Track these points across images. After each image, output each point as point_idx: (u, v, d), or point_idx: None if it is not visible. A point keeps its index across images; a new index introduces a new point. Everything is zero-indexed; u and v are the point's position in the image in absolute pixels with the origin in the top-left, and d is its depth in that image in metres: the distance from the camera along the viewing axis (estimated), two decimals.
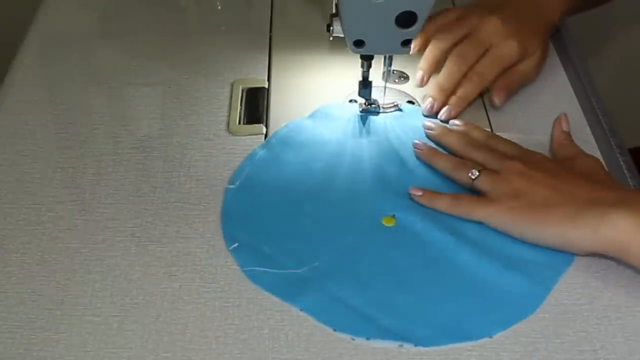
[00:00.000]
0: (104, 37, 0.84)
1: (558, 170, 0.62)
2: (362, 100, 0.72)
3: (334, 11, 0.66)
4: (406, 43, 0.65)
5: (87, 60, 0.80)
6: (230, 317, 0.56)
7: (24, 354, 0.54)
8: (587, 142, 0.70)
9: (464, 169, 0.64)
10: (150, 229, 0.62)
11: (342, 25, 0.64)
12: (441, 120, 0.71)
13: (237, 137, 0.70)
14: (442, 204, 0.62)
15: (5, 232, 0.62)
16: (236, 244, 0.60)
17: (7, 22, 1.15)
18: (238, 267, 0.59)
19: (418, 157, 0.68)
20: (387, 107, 0.73)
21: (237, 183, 0.65)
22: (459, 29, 0.72)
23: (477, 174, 0.63)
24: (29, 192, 0.65)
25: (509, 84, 0.73)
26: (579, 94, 0.75)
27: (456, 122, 0.70)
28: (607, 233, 0.55)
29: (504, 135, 0.69)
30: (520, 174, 0.61)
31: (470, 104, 0.72)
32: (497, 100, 0.73)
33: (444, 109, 0.71)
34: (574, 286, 0.58)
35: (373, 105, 0.72)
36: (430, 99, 0.72)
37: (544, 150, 0.67)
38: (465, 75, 0.72)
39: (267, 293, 0.57)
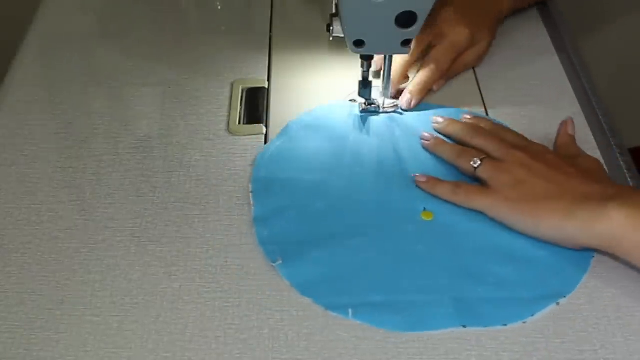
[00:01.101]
0: (104, 37, 0.84)
1: (560, 164, 0.62)
2: (362, 100, 0.72)
3: (334, 11, 0.66)
4: (406, 43, 0.65)
5: (87, 60, 0.80)
6: (230, 317, 0.56)
7: (24, 354, 0.54)
8: (587, 142, 0.70)
9: (466, 156, 0.64)
10: (150, 229, 0.62)
11: (342, 25, 0.64)
12: (402, 109, 0.72)
13: (237, 137, 0.70)
14: (443, 190, 0.63)
15: (5, 232, 0.62)
16: (280, 260, 0.59)
17: (7, 22, 1.15)
18: (238, 267, 0.59)
19: (425, 148, 0.68)
20: (387, 107, 0.73)
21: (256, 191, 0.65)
22: (427, 29, 0.74)
23: (479, 162, 0.63)
24: (29, 192, 0.65)
25: (450, 72, 0.76)
26: (579, 94, 0.75)
27: (466, 115, 0.71)
28: (602, 228, 0.55)
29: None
30: (522, 164, 0.61)
31: (428, 90, 0.74)
32: (435, 86, 0.74)
33: (405, 98, 0.72)
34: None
35: (373, 105, 0.72)
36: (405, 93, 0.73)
37: None
38: (416, 62, 0.74)
39: (267, 293, 0.57)
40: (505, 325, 0.55)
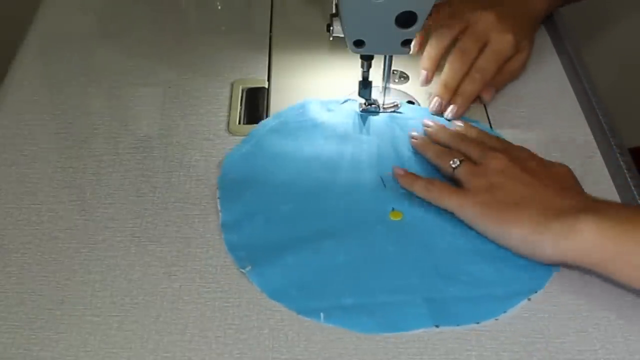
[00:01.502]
0: (104, 37, 0.84)
1: (538, 172, 0.61)
2: (362, 100, 0.72)
3: (334, 11, 0.66)
4: (406, 43, 0.65)
5: (87, 60, 0.80)
6: (230, 317, 0.56)
7: (24, 354, 0.54)
8: (587, 142, 0.70)
9: (447, 157, 0.64)
10: (150, 229, 0.62)
11: (342, 25, 0.64)
12: (447, 119, 0.72)
13: (237, 137, 0.70)
14: (418, 187, 0.63)
15: (5, 232, 0.62)
16: (249, 267, 0.59)
17: (7, 22, 1.15)
18: (238, 267, 0.59)
19: (413, 147, 0.68)
20: (387, 107, 0.73)
21: (226, 183, 0.65)
22: (456, 24, 0.73)
23: (458, 162, 0.63)
24: (29, 192, 0.65)
25: (499, 81, 0.74)
26: (579, 94, 0.75)
27: (458, 122, 0.71)
28: (574, 241, 0.55)
29: (504, 136, 0.69)
30: (500, 169, 0.61)
31: (474, 100, 0.73)
32: (486, 96, 0.73)
33: (450, 108, 0.72)
34: (574, 286, 0.58)
35: (373, 105, 0.72)
36: (436, 98, 0.72)
37: (543, 150, 0.67)
38: (467, 72, 0.72)
39: (267, 293, 0.57)
40: (478, 322, 0.55)
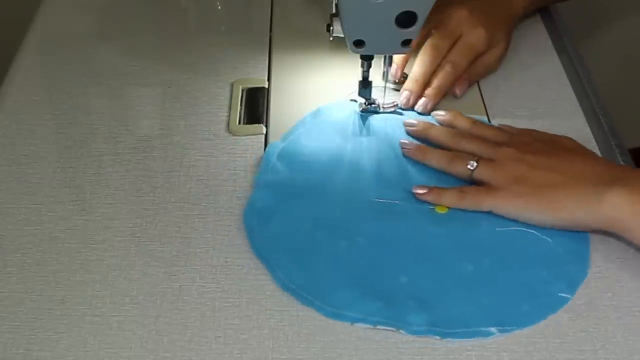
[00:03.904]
0: (104, 37, 0.84)
1: (548, 150, 0.62)
2: (362, 100, 0.72)
3: (334, 11, 0.66)
4: (406, 43, 0.65)
5: (87, 60, 0.80)
6: (230, 317, 0.56)
7: (24, 354, 0.54)
8: (587, 142, 0.70)
9: (460, 161, 0.64)
10: (150, 229, 0.62)
11: (342, 25, 0.64)
12: (418, 113, 0.72)
13: (237, 137, 0.70)
14: (450, 198, 0.63)
15: (5, 232, 0.62)
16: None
17: (7, 22, 1.15)
18: (238, 267, 0.59)
19: (406, 156, 0.67)
20: (387, 107, 0.72)
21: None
22: (429, 21, 0.73)
23: (475, 164, 0.63)
24: (29, 192, 0.65)
25: (472, 74, 0.75)
26: (579, 94, 0.75)
27: (439, 112, 0.71)
28: (606, 212, 0.57)
29: None
30: (516, 159, 0.61)
31: (445, 94, 0.73)
32: (458, 90, 0.74)
33: (421, 101, 0.72)
34: None
35: (373, 105, 0.72)
36: (406, 92, 0.72)
37: None
38: (438, 66, 0.72)
39: (267, 293, 0.57)
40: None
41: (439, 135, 0.68)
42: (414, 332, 0.54)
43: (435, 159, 0.66)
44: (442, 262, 0.59)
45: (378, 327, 0.55)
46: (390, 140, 0.69)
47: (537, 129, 0.68)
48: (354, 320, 0.55)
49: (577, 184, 0.59)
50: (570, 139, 0.65)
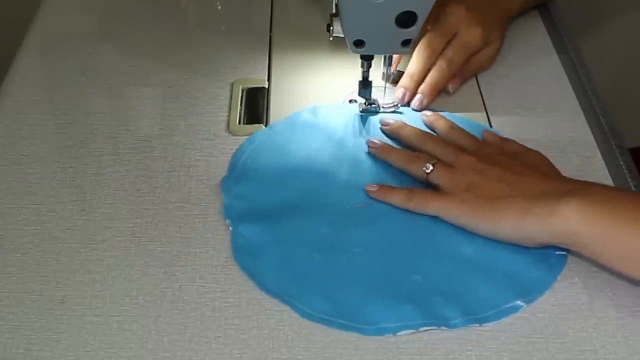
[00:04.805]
0: (104, 37, 0.84)
1: (511, 164, 0.62)
2: (362, 100, 0.72)
3: (334, 11, 0.66)
4: (406, 43, 0.65)
5: (87, 60, 0.80)
6: (230, 317, 0.56)
7: (24, 354, 0.54)
8: (587, 142, 0.70)
9: (418, 162, 0.64)
10: (150, 229, 0.62)
11: (342, 25, 0.64)
12: (415, 110, 0.72)
13: (237, 137, 0.70)
14: (397, 198, 0.63)
15: (5, 232, 0.62)
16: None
17: (7, 22, 1.15)
18: (238, 267, 0.59)
19: (371, 155, 0.67)
20: (387, 107, 0.73)
21: (234, 173, 0.66)
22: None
23: (431, 167, 0.63)
24: (29, 192, 0.65)
25: (465, 72, 0.75)
26: (579, 94, 0.75)
27: (426, 112, 0.71)
28: (557, 224, 0.55)
29: (504, 135, 0.69)
30: (473, 168, 0.61)
31: (440, 91, 0.73)
32: (450, 87, 0.74)
33: (416, 98, 0.72)
34: (574, 286, 0.58)
35: (373, 105, 0.72)
36: (402, 89, 0.72)
37: (543, 150, 0.67)
38: (434, 64, 0.73)
39: (267, 293, 0.57)
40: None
41: (408, 134, 0.68)
42: (454, 326, 0.55)
43: (395, 157, 0.66)
44: (443, 252, 0.59)
45: (420, 329, 0.55)
46: (390, 141, 0.69)
47: (538, 127, 0.68)
48: (395, 331, 0.55)
49: (525, 196, 0.58)
50: (539, 155, 0.65)
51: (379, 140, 0.68)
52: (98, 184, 0.66)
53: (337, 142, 0.69)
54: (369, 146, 0.68)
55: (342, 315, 0.55)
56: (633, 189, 0.65)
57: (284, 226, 0.61)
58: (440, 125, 0.69)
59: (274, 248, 0.60)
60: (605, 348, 0.54)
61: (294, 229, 0.61)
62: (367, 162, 0.67)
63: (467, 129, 0.69)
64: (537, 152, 0.65)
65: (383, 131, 0.70)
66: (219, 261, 0.59)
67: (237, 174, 0.66)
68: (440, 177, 0.62)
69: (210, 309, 0.56)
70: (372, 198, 0.64)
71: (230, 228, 0.61)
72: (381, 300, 0.56)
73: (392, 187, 0.64)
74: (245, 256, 0.59)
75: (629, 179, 0.67)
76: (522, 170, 0.61)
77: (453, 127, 0.69)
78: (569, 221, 0.55)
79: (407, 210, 0.62)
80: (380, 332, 0.54)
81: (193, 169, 0.67)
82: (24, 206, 0.64)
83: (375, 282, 0.58)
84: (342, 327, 0.55)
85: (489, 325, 0.55)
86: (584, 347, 0.54)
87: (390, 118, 0.70)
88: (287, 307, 0.56)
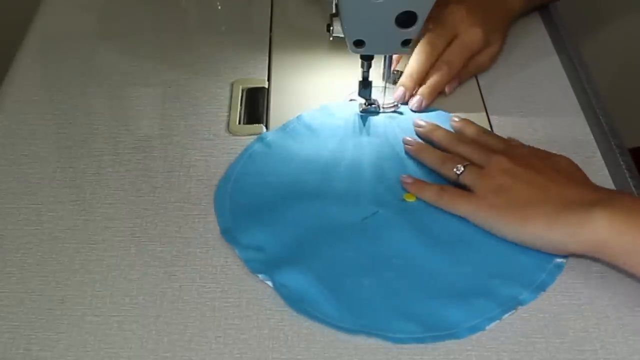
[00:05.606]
0: (104, 37, 0.84)
1: (543, 168, 0.62)
2: (362, 100, 0.72)
3: (334, 11, 0.66)
4: (406, 43, 0.65)
5: (87, 60, 0.80)
6: (230, 317, 0.56)
7: (24, 354, 0.54)
8: (587, 142, 0.70)
9: (449, 163, 0.64)
10: (150, 229, 0.62)
11: (342, 25, 0.64)
12: (412, 111, 0.72)
13: (237, 137, 0.70)
14: (429, 194, 0.63)
15: (5, 232, 0.62)
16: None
17: (7, 22, 1.15)
18: (238, 267, 0.59)
19: (407, 153, 0.68)
20: (387, 107, 0.73)
21: (232, 178, 0.65)
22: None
23: (462, 168, 0.63)
24: (29, 192, 0.65)
25: (464, 73, 0.75)
26: (579, 94, 0.75)
27: (454, 118, 0.71)
28: (586, 234, 0.55)
29: (504, 136, 0.69)
30: (505, 170, 0.61)
31: (440, 93, 0.73)
32: (447, 88, 0.74)
33: (415, 99, 0.72)
34: (574, 286, 0.58)
35: (373, 105, 0.72)
36: (401, 88, 0.72)
37: None
38: (434, 64, 0.73)
39: (267, 293, 0.57)
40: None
41: (441, 137, 0.68)
42: (524, 302, 0.56)
43: (429, 157, 0.66)
44: (478, 240, 0.60)
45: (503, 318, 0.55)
46: (390, 141, 0.69)
47: (538, 127, 0.68)
48: (483, 326, 0.55)
49: (553, 203, 0.57)
50: (568, 160, 0.64)
51: (413, 139, 0.68)
52: (98, 184, 0.66)
53: (333, 151, 0.68)
54: (405, 144, 0.68)
55: (429, 329, 0.55)
56: (633, 189, 0.65)
57: (316, 262, 0.59)
58: (470, 130, 0.69)
59: (324, 285, 0.57)
60: (605, 348, 0.54)
61: (328, 262, 0.59)
62: (367, 170, 0.67)
63: (439, 122, 0.70)
64: (567, 157, 0.64)
65: (415, 134, 0.70)
66: (219, 261, 0.59)
67: (236, 214, 0.63)
68: (470, 179, 0.62)
69: (210, 309, 0.56)
70: (375, 205, 0.63)
71: (269, 283, 0.57)
72: (449, 301, 0.56)
73: (425, 183, 0.64)
74: (303, 305, 0.56)
75: (629, 179, 0.67)
76: (552, 174, 0.60)
77: (484, 130, 0.69)
78: (598, 232, 0.55)
79: (407, 212, 0.62)
80: (472, 330, 0.55)
81: (193, 169, 0.67)
82: (24, 206, 0.64)
83: (432, 286, 0.57)
84: (435, 339, 0.54)
85: (489, 325, 0.55)
86: (584, 347, 0.54)
87: (423, 120, 0.70)
88: (287, 307, 0.56)
